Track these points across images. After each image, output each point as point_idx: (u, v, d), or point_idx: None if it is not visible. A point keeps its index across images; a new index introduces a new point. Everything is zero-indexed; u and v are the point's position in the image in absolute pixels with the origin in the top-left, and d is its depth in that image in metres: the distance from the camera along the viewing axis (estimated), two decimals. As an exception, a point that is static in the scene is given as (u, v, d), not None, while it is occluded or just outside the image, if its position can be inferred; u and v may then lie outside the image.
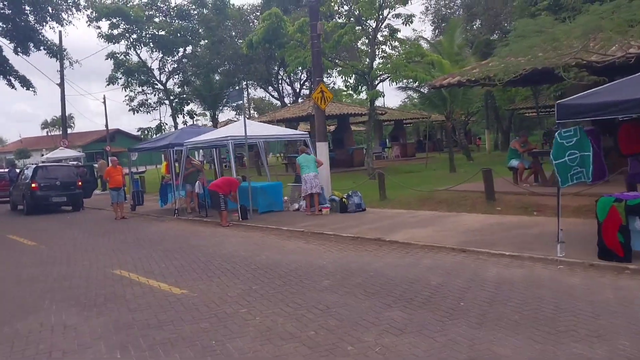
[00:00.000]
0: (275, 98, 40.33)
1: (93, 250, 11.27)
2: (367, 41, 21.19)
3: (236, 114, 44.61)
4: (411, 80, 21.83)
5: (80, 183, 20.44)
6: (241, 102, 15.29)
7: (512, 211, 11.55)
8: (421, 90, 25.27)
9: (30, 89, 21.44)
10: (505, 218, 11.07)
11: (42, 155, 73.75)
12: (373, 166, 20.47)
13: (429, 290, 6.58)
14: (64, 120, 33.32)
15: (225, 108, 37.09)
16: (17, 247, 12.42)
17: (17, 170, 27.53)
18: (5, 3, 18.86)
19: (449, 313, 5.69)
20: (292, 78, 36.58)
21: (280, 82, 37.95)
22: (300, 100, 35.13)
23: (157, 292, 7.44)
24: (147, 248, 11.20)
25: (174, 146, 16.63)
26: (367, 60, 20.54)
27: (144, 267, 9.18)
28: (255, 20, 32.57)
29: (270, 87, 37.69)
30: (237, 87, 34.59)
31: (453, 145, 37.78)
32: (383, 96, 20.16)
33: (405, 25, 20.79)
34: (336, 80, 41.72)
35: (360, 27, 20.44)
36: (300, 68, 24.62)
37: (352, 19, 20.56)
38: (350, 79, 19.92)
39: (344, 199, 13.69)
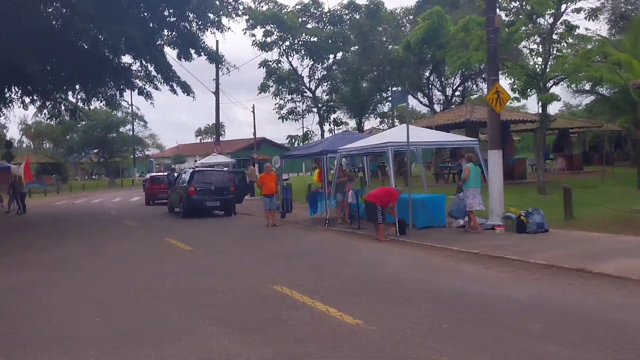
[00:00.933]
0: (424, 105, 38.73)
1: (248, 260, 10.65)
2: (538, 39, 18.91)
3: (380, 123, 43.68)
4: (585, 82, 19.26)
5: (233, 189, 20.54)
6: (405, 104, 14.00)
7: None
8: (602, 93, 22.20)
9: (190, 94, 22.21)
10: None
11: (196, 161, 79.34)
12: (544, 179, 18.07)
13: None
14: (218, 127, 34.71)
15: (372, 116, 36.32)
16: (174, 251, 12.25)
17: (175, 175, 28.93)
18: (171, 11, 19.57)
19: None
20: (443, 83, 34.79)
21: (430, 87, 36.25)
22: (453, 106, 33.16)
23: (327, 318, 6.34)
24: (303, 261, 10.32)
25: (328, 153, 15.84)
26: (539, 60, 18.27)
27: (305, 284, 8.20)
28: (408, 24, 31.39)
29: (419, 93, 36.16)
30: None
31: (624, 159, 33.44)
32: (559, 100, 17.64)
33: (589, 20, 18.19)
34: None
35: (531, 24, 18.25)
36: (462, 70, 22.85)
37: (521, 15, 18.45)
38: (520, 81, 17.78)
39: (522, 217, 11.79)
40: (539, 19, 18.65)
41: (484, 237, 11.69)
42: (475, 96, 37.11)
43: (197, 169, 20.74)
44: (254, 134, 63.38)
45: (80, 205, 30.93)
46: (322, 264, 9.93)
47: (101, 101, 23.62)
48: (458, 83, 34.58)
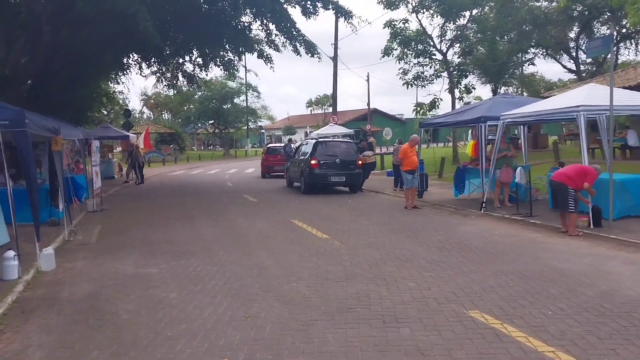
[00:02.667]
0: (569, 70, 33.78)
1: (406, 258, 8.08)
2: None
3: (518, 89, 38.76)
4: None
5: (360, 162, 18.06)
6: (606, 54, 10.61)
7: None
8: None
9: (315, 55, 19.87)
10: None
11: (307, 133, 78.09)
12: None
13: None
14: (335, 95, 32.26)
15: (510, 80, 32.05)
16: (308, 239, 9.97)
17: (293, 146, 27.05)
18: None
19: None
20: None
21: (577, 50, 31.31)
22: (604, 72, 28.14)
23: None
24: (484, 264, 7.59)
25: (487, 120, 12.79)
26: None
27: (516, 311, 5.51)
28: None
29: (564, 56, 31.38)
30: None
31: None
32: None
33: None
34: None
35: None
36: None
37: None
38: None
39: None
40: None
41: None
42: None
43: (320, 139, 18.49)
44: (368, 103, 60.70)
45: (197, 176, 30.14)
46: (516, 271, 7.13)
47: (219, 66, 22.04)
48: (618, 39, 29.31)
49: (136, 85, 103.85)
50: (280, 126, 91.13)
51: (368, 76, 55.03)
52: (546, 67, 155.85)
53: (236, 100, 62.07)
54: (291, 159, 21.03)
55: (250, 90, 62.86)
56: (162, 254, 8.97)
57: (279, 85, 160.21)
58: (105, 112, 55.84)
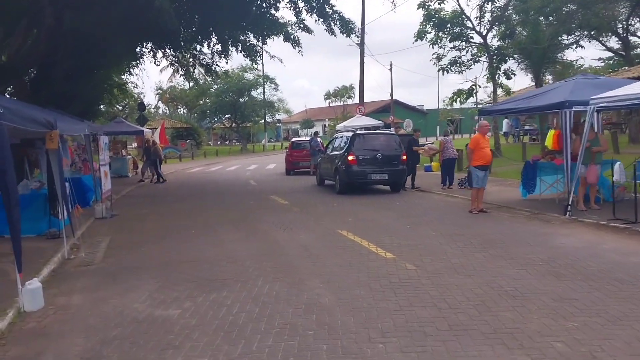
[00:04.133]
0: (615, 53, 31.15)
1: (520, 294, 5.87)
2: None
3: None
4: None
5: (405, 157, 15.84)
6: None
7: None
8: None
9: (352, 34, 17.65)
10: None
11: (325, 126, 75.75)
12: None
13: None
14: (362, 83, 29.88)
15: (553, 66, 29.50)
16: (372, 262, 7.77)
17: (319, 140, 24.90)
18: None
19: None
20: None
21: (627, 32, 28.61)
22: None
23: None
24: (633, 301, 5.39)
25: (573, 105, 10.51)
26: None
27: None
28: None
29: (613, 38, 28.74)
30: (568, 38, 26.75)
31: None
32: None
33: None
34: None
35: None
36: None
37: None
38: None
39: None
40: None
41: None
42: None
43: (358, 132, 16.27)
44: (391, 94, 58.38)
45: (216, 173, 28.09)
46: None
47: (241, 52, 19.87)
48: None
49: (151, 79, 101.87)
50: (297, 119, 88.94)
51: (391, 65, 52.77)
52: (577, 54, 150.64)
53: (253, 93, 59.89)
54: (322, 155, 18.84)
55: (268, 83, 60.59)
56: (185, 282, 6.90)
57: (293, 79, 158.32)
58: (120, 107, 54.31)
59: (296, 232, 10.10)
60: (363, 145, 15.89)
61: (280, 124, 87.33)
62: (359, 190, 16.24)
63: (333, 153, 17.44)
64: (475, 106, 49.44)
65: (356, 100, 75.41)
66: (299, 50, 19.38)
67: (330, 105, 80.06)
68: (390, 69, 51.39)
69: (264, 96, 59.62)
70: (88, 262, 8.54)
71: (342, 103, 77.11)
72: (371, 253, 8.11)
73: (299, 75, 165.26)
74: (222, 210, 13.76)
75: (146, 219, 12.70)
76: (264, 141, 67.11)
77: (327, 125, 71.61)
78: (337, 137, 18.15)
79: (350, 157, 15.60)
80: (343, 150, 16.22)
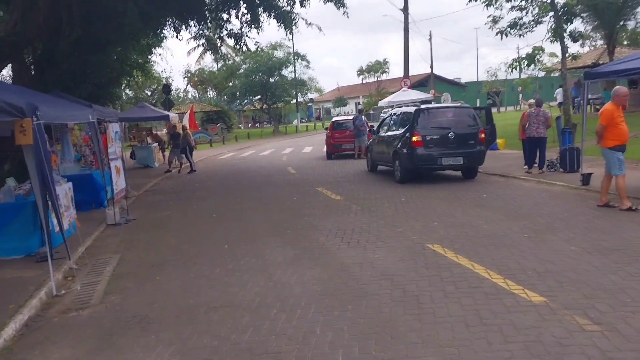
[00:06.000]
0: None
1: None
2: None
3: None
4: None
5: (483, 136, 12.84)
6: None
7: None
8: None
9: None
10: None
11: (358, 104, 72.17)
12: None
13: None
14: (407, 53, 26.70)
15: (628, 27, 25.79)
16: (512, 310, 4.96)
17: (364, 118, 22.03)
18: None
19: None
20: None
21: None
22: None
23: None
24: None
25: None
26: None
27: None
28: None
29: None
30: None
31: None
32: None
33: None
34: None
35: None
36: None
37: None
38: None
39: None
40: None
41: None
42: None
43: (422, 107, 13.31)
44: (431, 66, 54.89)
45: (249, 159, 25.44)
46: None
47: (273, 18, 17.03)
48: None
49: (179, 62, 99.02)
50: (329, 98, 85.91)
51: (430, 35, 49.15)
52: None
53: (283, 72, 56.86)
54: (376, 136, 15.94)
55: (299, 60, 57.41)
56: (212, 353, 4.25)
57: (322, 57, 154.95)
58: (148, 93, 52.13)
59: (368, 248, 7.31)
60: (429, 123, 12.94)
61: (311, 104, 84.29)
62: (421, 177, 13.42)
63: (388, 133, 14.57)
64: (521, 77, 45.50)
65: (391, 75, 71.95)
66: (344, 12, 16.46)
67: (364, 82, 76.74)
68: (430, 39, 47.96)
69: (294, 75, 56.63)
70: (82, 303, 6.03)
71: (376, 79, 73.74)
72: (502, 292, 5.24)
73: (328, 53, 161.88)
74: (260, 210, 11.08)
75: (168, 226, 10.11)
76: (295, 122, 64.28)
77: (360, 103, 68.29)
78: (394, 114, 15.20)
79: (414, 138, 12.69)
80: (404, 130, 13.32)
